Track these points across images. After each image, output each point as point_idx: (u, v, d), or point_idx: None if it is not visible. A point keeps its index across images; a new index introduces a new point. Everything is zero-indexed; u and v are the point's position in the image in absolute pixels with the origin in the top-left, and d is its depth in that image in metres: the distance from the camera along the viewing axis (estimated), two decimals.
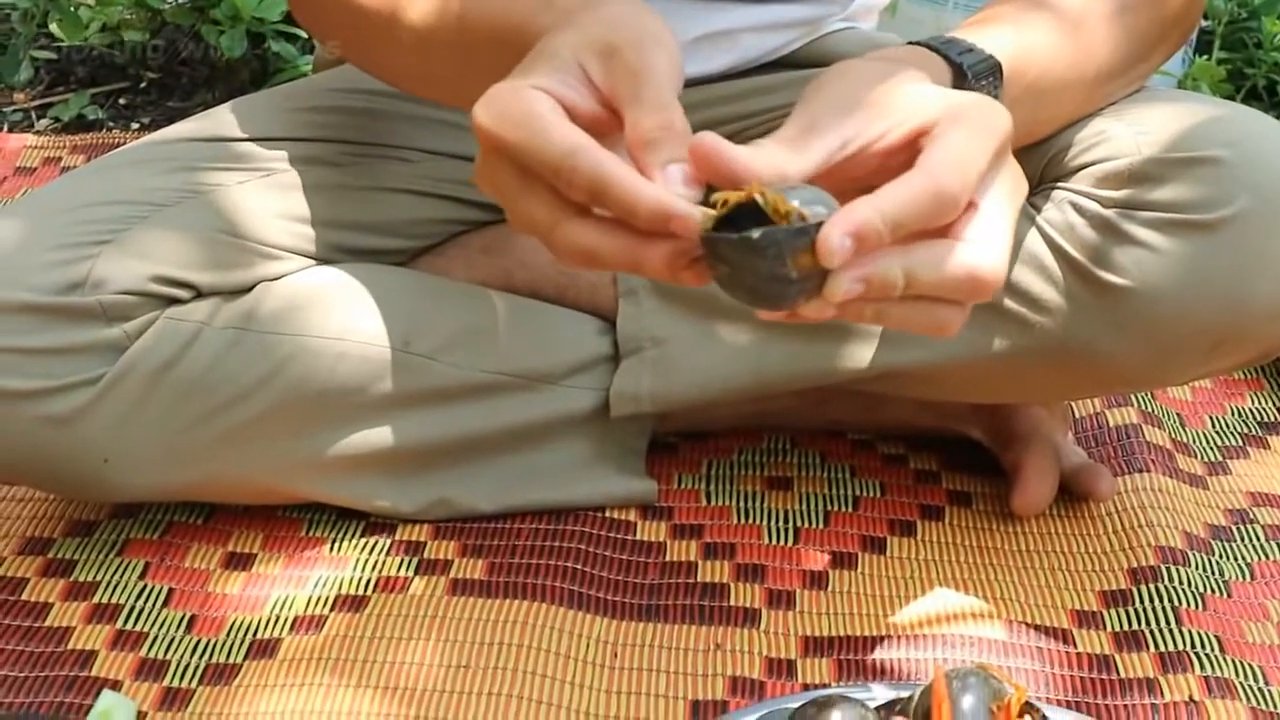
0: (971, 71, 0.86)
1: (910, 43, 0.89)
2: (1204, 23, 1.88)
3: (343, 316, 1.07)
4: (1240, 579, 1.11)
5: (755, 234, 0.68)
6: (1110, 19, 0.95)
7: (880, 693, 0.90)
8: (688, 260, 0.72)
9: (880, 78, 0.78)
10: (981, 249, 0.72)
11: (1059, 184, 1.01)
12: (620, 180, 0.70)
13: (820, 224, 0.68)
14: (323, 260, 1.10)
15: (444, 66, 0.93)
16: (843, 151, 0.74)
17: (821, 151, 0.74)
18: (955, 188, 0.71)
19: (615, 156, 0.71)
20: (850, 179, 0.76)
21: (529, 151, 0.72)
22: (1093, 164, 0.99)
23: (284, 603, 1.05)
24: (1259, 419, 1.32)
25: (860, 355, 1.08)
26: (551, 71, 0.75)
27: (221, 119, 1.13)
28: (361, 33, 0.98)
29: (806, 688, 0.99)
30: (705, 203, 0.71)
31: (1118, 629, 1.04)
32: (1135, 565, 1.09)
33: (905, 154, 0.74)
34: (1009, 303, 1.02)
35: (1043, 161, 1.02)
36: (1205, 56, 1.84)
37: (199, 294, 1.04)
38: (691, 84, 1.15)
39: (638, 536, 1.13)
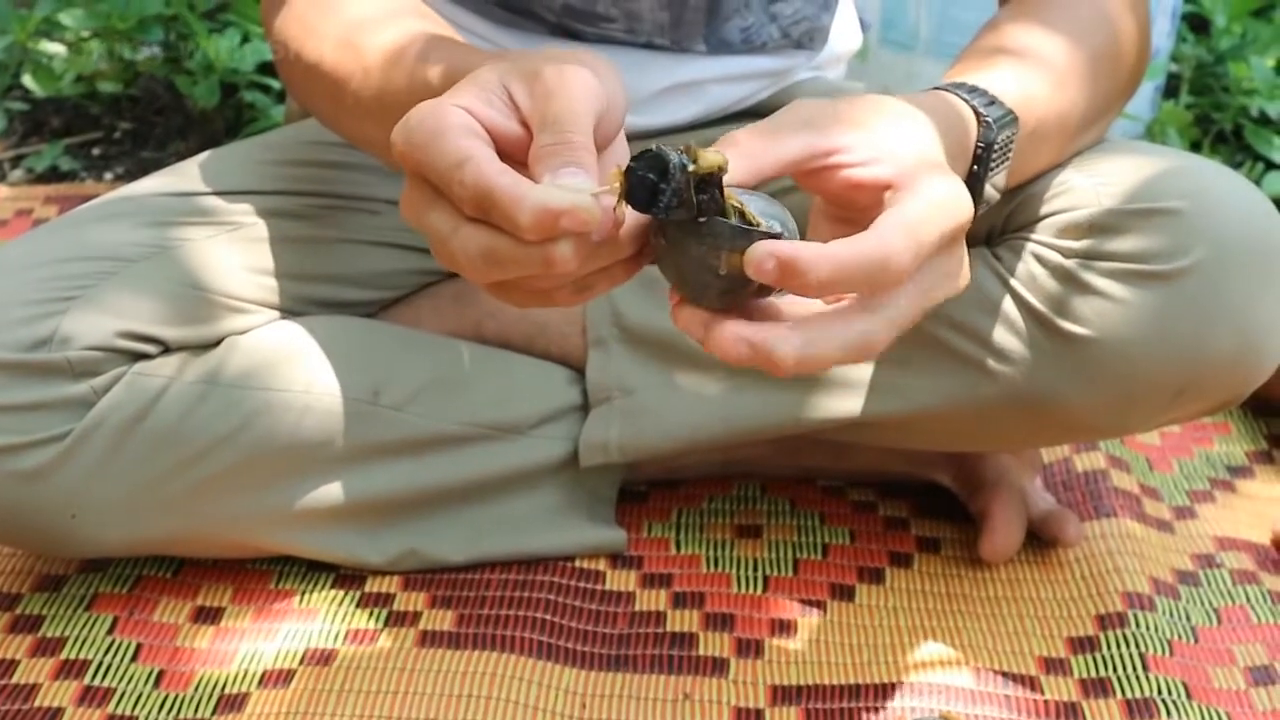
0: (997, 124, 0.88)
1: (937, 87, 0.90)
2: (1172, 67, 1.90)
3: (310, 369, 1.07)
4: (1207, 624, 1.11)
5: (702, 219, 0.68)
6: (1084, 74, 0.96)
7: None
8: (607, 253, 0.70)
9: (892, 111, 0.79)
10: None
11: (1021, 234, 1.02)
12: (504, 187, 0.68)
13: (765, 234, 0.69)
14: (291, 313, 1.11)
15: None
16: (822, 159, 0.74)
17: (800, 147, 0.73)
18: (905, 259, 0.70)
19: (506, 168, 0.69)
20: (817, 189, 0.77)
21: (425, 164, 0.71)
22: (1054, 214, 1.00)
23: (252, 656, 1.05)
24: (1226, 463, 1.33)
25: (829, 405, 1.09)
26: (475, 90, 0.74)
27: (189, 173, 1.14)
28: (334, 100, 0.98)
29: None
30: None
31: (1085, 676, 1.04)
32: (1103, 612, 1.10)
33: (872, 196, 0.75)
34: (973, 352, 1.03)
35: (1005, 212, 1.03)
36: (1173, 101, 1.86)
37: (166, 349, 1.04)
38: (659, 134, 1.18)
39: (607, 586, 1.13)
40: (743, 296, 0.71)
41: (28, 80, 1.87)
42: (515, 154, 0.73)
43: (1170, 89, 1.91)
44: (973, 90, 0.89)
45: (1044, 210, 1.01)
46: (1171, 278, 0.96)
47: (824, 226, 0.80)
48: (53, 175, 1.81)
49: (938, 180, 0.75)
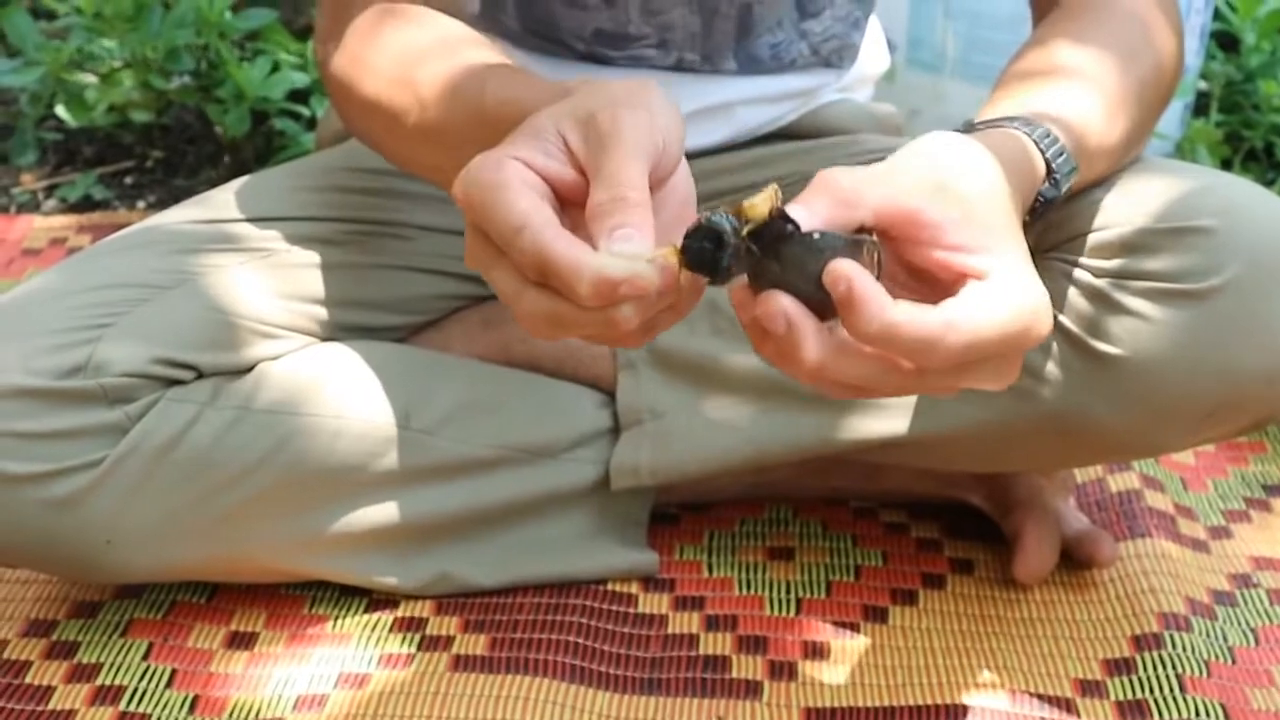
0: (1063, 179, 0.89)
1: (1001, 118, 0.89)
2: (1202, 85, 1.89)
3: (342, 395, 1.08)
4: (1244, 644, 1.10)
5: (816, 234, 0.70)
6: (1133, 101, 0.97)
7: None
8: (669, 300, 0.71)
9: (992, 184, 0.78)
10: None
11: (1053, 254, 1.02)
12: (561, 256, 0.68)
13: (873, 243, 0.71)
14: (323, 338, 1.11)
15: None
16: (915, 229, 0.74)
17: (884, 208, 0.74)
18: (952, 353, 0.71)
19: (565, 234, 0.69)
20: (899, 254, 0.76)
21: (487, 224, 0.71)
22: (1086, 233, 1.00)
23: (286, 682, 1.05)
24: (1261, 482, 1.32)
25: (859, 426, 1.09)
26: (532, 140, 0.74)
27: (220, 201, 1.14)
28: (391, 132, 0.97)
29: None
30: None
31: (1121, 698, 1.04)
32: (1138, 632, 1.09)
33: (955, 277, 0.75)
34: None
35: (1036, 232, 1.03)
36: (1203, 119, 1.85)
37: (200, 375, 1.05)
38: (689, 157, 1.16)
39: (639, 609, 1.13)
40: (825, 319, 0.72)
41: (61, 111, 1.89)
42: (574, 199, 0.73)
43: (1200, 107, 1.90)
44: (1046, 135, 0.89)
45: (1076, 230, 1.00)
46: (1204, 296, 0.96)
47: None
48: (86, 204, 1.83)
49: (1024, 289, 0.75)
